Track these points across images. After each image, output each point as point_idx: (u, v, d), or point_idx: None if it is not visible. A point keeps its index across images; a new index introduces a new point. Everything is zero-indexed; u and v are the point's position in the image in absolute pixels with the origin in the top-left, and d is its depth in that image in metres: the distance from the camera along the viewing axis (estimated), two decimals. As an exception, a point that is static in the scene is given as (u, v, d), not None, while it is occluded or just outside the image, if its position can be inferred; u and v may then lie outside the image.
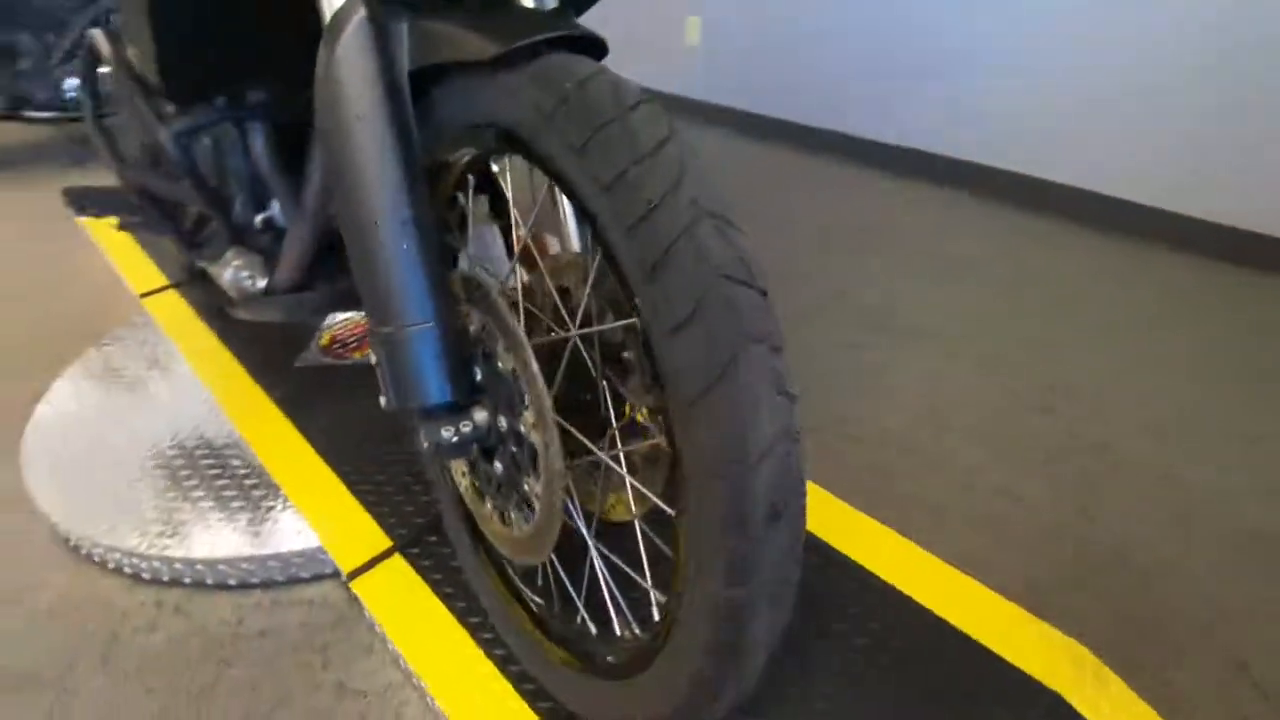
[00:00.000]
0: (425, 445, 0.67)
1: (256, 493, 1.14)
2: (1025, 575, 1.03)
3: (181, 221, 1.08)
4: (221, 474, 1.18)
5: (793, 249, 1.88)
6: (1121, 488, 1.18)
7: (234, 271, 1.02)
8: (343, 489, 1.12)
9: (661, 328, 0.50)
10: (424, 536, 1.05)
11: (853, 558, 0.97)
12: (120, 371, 1.48)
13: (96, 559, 1.10)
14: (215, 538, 1.06)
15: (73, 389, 1.43)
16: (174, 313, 1.65)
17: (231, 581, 1.05)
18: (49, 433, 1.31)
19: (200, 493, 1.14)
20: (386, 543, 1.03)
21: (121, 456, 1.23)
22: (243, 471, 1.19)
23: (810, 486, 1.08)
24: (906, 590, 0.93)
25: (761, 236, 1.99)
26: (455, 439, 0.66)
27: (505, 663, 0.87)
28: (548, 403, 0.61)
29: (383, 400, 0.67)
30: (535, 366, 0.62)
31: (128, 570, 1.08)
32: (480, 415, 0.69)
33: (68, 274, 2.04)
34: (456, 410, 0.68)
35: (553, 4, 0.76)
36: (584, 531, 0.73)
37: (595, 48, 0.61)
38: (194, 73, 0.81)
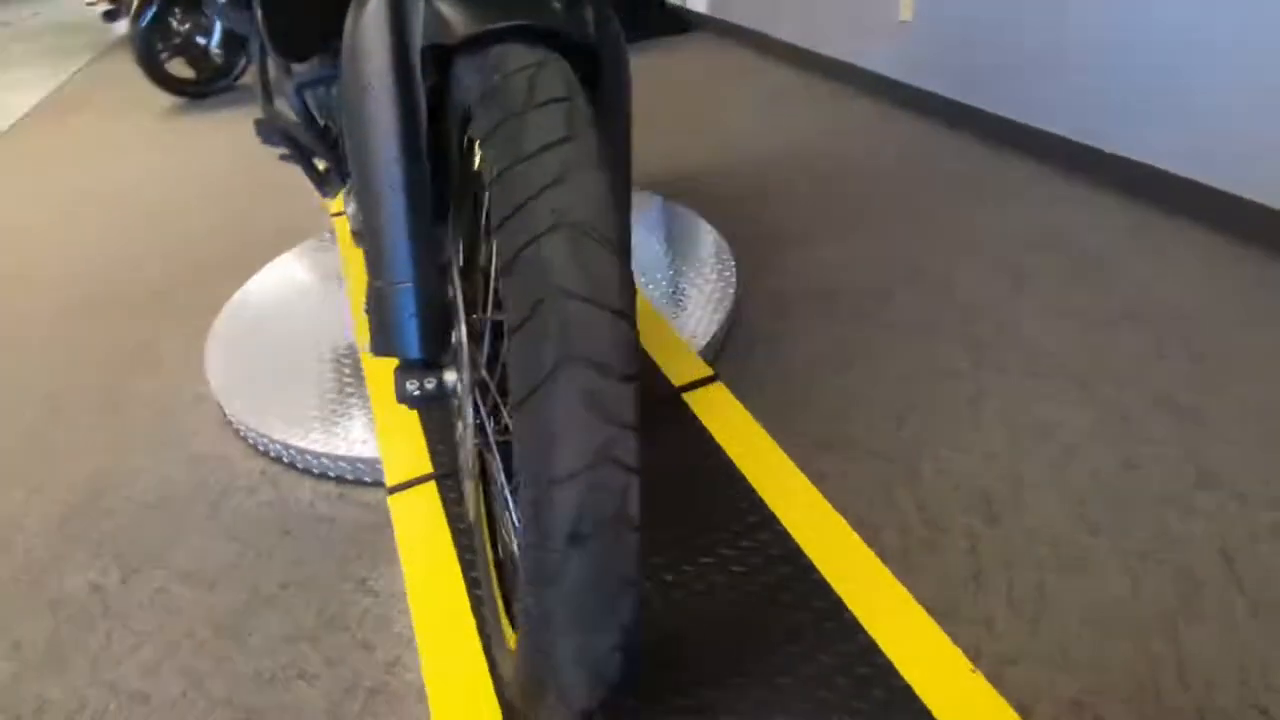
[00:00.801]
0: (395, 393, 0.75)
1: (358, 399, 1.33)
2: None
3: (313, 160, 1.25)
4: (354, 380, 1.39)
5: (976, 286, 1.70)
6: None
7: (352, 207, 1.18)
8: (413, 413, 1.27)
9: (508, 326, 0.51)
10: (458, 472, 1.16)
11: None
12: (305, 277, 1.77)
13: (232, 426, 1.36)
14: (316, 431, 1.26)
15: (263, 286, 1.75)
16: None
17: (315, 470, 1.25)
18: (235, 319, 1.62)
19: (330, 394, 1.36)
20: (428, 469, 1.16)
21: (282, 349, 1.49)
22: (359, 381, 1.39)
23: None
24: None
25: (939, 260, 1.82)
26: (418, 393, 0.74)
27: (479, 603, 0.96)
28: (466, 376, 0.66)
29: (370, 347, 0.76)
30: (464, 337, 0.66)
31: (250, 441, 1.32)
32: (449, 376, 0.76)
33: (278, 189, 2.45)
34: (428, 367, 0.75)
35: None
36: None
37: (566, 39, 0.62)
38: (294, 32, 0.93)
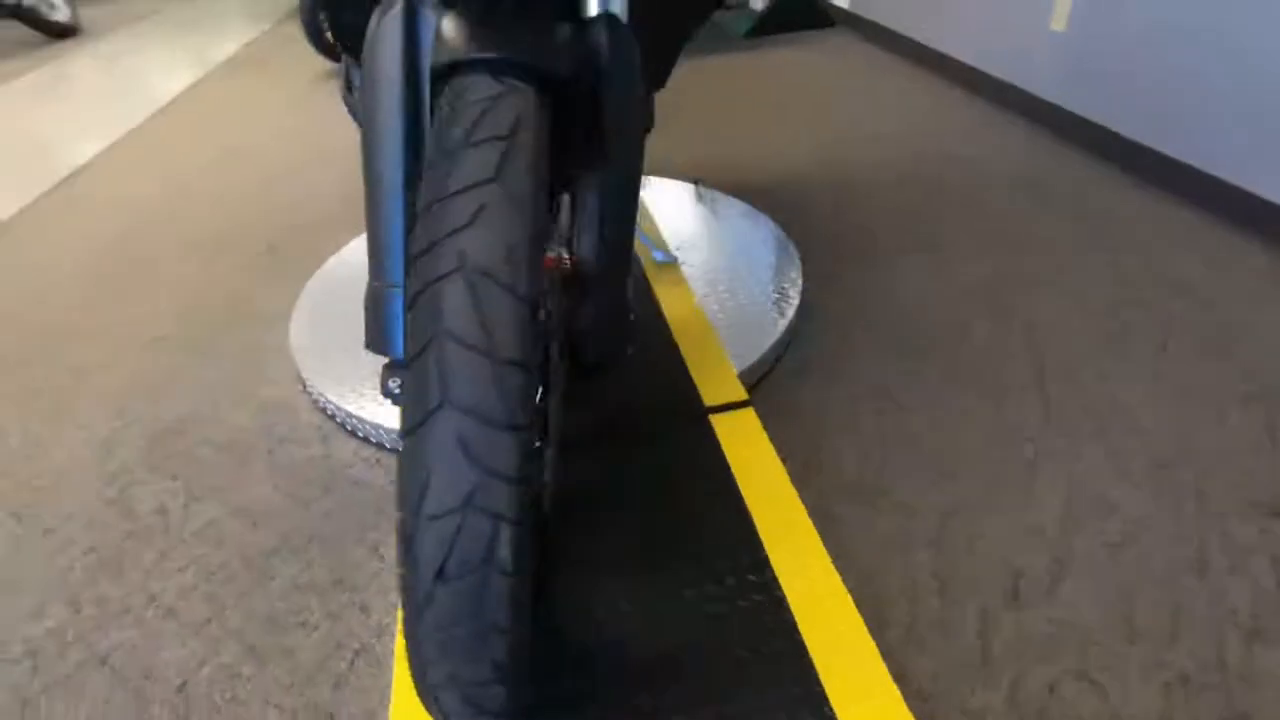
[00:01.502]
0: (379, 388, 0.79)
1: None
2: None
3: None
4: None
5: (1072, 336, 1.55)
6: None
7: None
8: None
9: (406, 359, 0.52)
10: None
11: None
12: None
13: (303, 381, 1.48)
14: (367, 398, 1.35)
15: (358, 253, 1.88)
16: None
17: (359, 434, 1.34)
18: (328, 280, 1.76)
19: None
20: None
21: (358, 316, 1.60)
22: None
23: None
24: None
25: (1035, 301, 1.68)
26: (398, 391, 0.77)
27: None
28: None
29: (365, 343, 0.80)
30: None
31: (313, 398, 1.43)
32: None
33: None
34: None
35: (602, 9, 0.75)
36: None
37: (536, 73, 0.61)
38: (338, 29, 0.96)
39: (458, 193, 0.54)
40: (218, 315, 1.77)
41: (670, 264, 1.66)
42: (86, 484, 1.29)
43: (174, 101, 3.53)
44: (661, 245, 1.74)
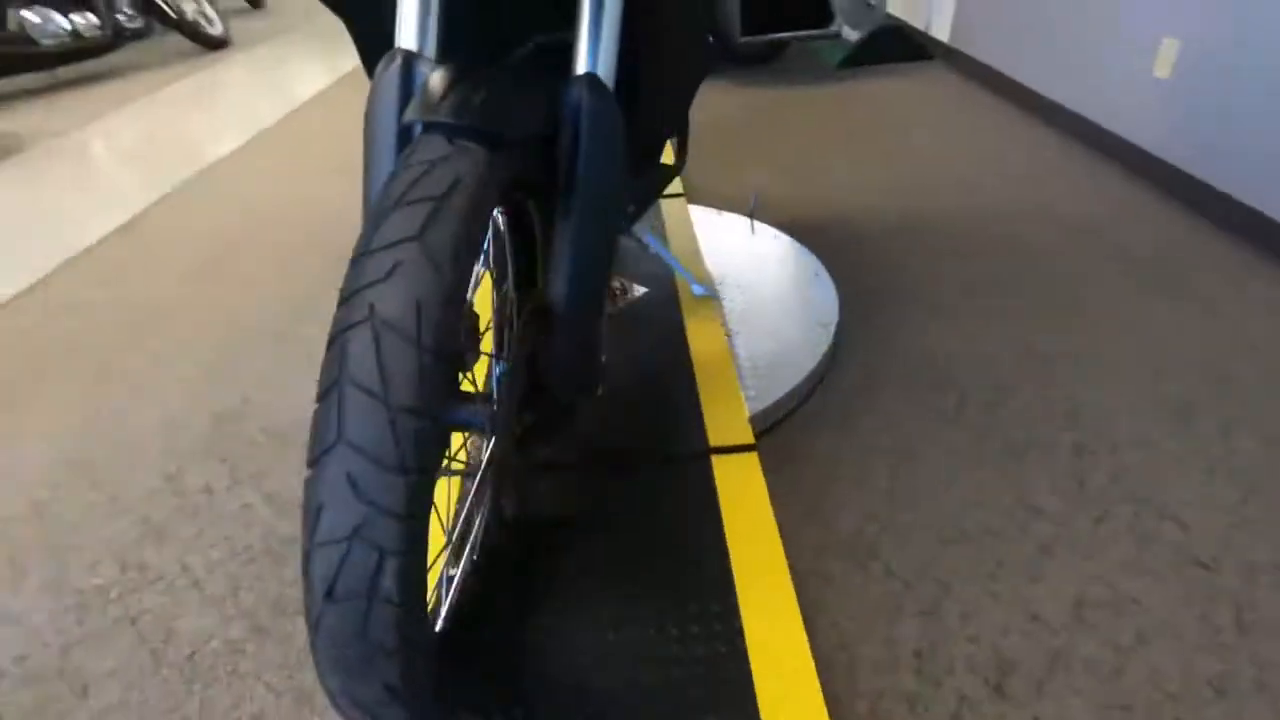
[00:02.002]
0: None
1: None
2: None
3: None
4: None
5: (1123, 411, 1.45)
6: None
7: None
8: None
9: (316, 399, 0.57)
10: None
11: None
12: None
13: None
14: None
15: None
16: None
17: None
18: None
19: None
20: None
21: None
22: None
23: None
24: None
25: (1094, 376, 1.58)
26: None
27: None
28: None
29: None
30: None
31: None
32: None
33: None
34: None
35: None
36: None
37: (489, 137, 0.65)
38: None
39: (379, 249, 0.58)
40: (299, 310, 1.92)
41: (707, 298, 1.67)
42: (152, 461, 1.44)
43: (304, 104, 3.85)
44: (702, 279, 1.75)
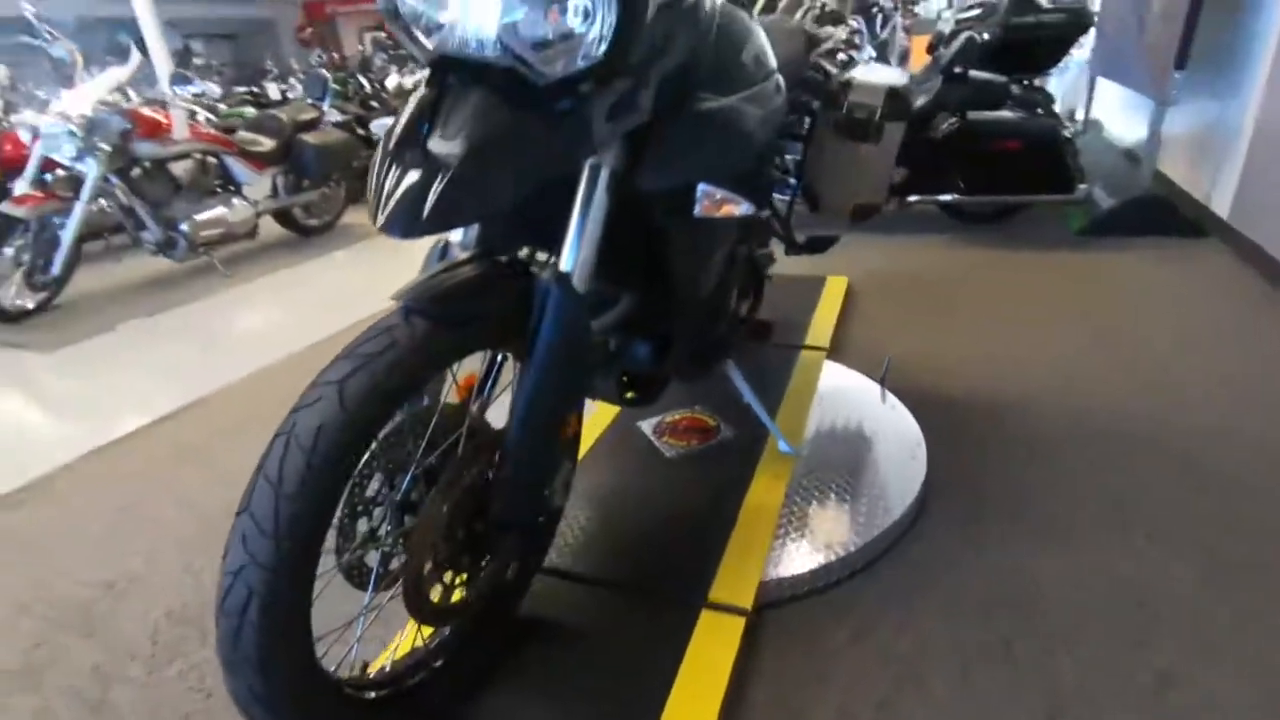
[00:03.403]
0: None
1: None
2: None
3: None
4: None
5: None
6: None
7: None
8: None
9: None
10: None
11: None
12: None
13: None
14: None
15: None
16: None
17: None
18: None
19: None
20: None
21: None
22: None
23: None
24: None
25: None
26: None
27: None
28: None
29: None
30: None
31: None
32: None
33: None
34: None
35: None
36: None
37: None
38: None
39: (318, 384, 0.82)
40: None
41: (789, 456, 1.70)
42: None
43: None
44: (793, 436, 1.78)
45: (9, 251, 3.17)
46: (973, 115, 3.29)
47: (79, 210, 3.25)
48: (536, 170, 0.84)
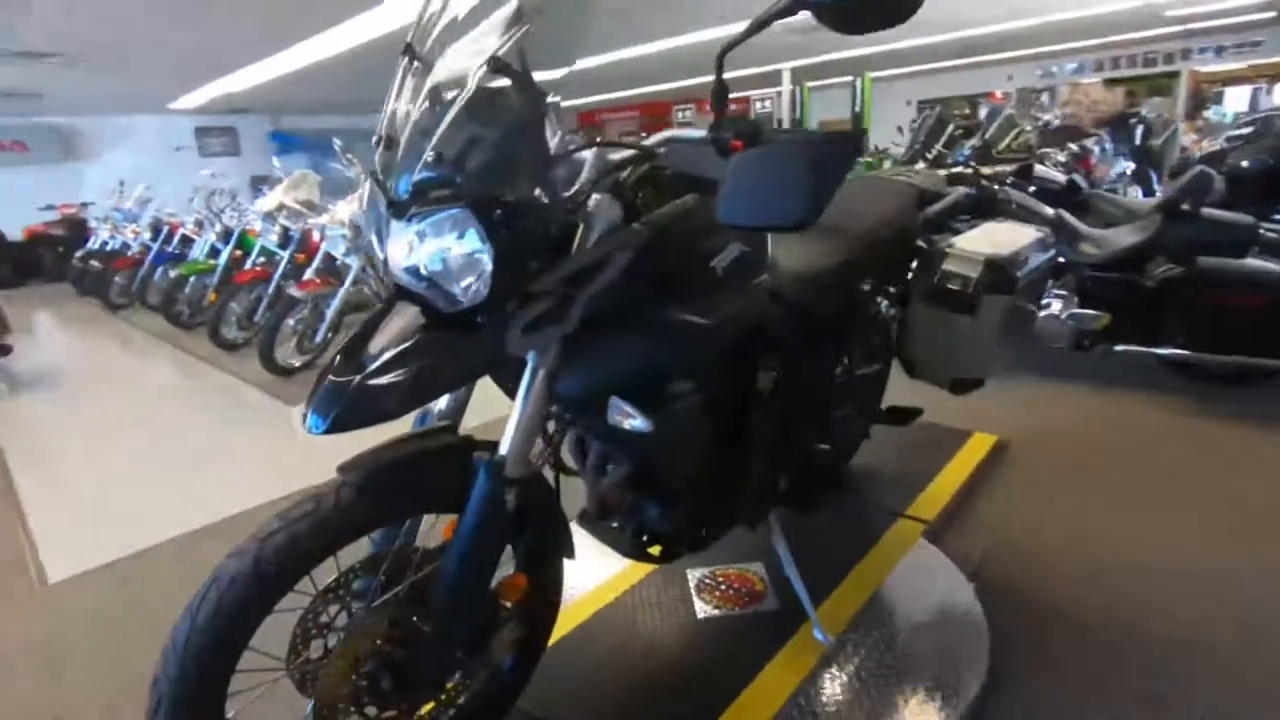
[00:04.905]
0: None
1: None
2: None
3: None
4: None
5: None
6: None
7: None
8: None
9: None
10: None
11: None
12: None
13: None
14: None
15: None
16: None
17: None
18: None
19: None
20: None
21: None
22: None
23: None
24: None
25: None
26: None
27: None
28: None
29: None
30: None
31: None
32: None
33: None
34: None
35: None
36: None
37: None
38: None
39: (247, 540, 0.98)
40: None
41: (820, 645, 1.56)
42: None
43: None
44: (834, 622, 1.63)
45: (291, 322, 4.11)
46: (1204, 262, 2.77)
47: (341, 293, 4.11)
48: (446, 378, 0.97)
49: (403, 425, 1.22)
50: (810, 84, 10.16)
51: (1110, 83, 10.78)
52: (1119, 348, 2.94)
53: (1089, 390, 3.07)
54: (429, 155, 0.94)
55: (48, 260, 9.20)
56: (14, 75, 6.71)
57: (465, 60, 0.96)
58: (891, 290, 1.87)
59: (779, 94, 10.15)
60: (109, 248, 7.01)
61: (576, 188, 1.05)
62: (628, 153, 1.06)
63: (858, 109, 9.83)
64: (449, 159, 0.95)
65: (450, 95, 0.96)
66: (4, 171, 9.53)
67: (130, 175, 7.76)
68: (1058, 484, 2.29)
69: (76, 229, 8.96)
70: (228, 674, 0.97)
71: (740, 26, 0.88)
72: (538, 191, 0.96)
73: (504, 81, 0.94)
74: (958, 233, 1.94)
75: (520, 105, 0.96)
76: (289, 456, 3.06)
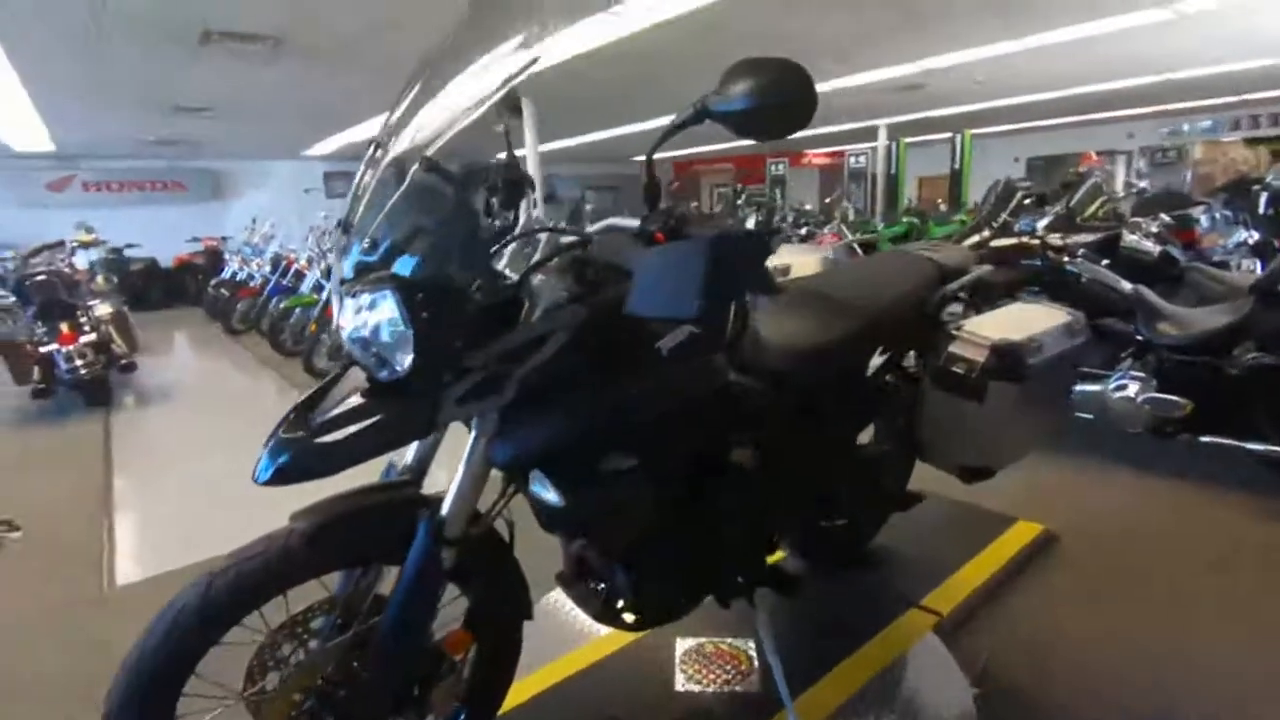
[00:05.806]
0: None
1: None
2: None
3: None
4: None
5: None
6: None
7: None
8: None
9: None
10: None
11: None
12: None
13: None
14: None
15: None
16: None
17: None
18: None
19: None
20: None
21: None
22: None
23: None
24: None
25: None
26: None
27: None
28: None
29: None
30: None
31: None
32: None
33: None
34: None
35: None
36: None
37: None
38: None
39: (200, 577, 1.06)
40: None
41: (793, 732, 1.50)
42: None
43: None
44: (809, 713, 1.56)
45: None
46: (1300, 350, 2.49)
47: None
48: (382, 439, 1.04)
49: (371, 474, 1.30)
50: (908, 139, 9.98)
51: (1250, 142, 9.90)
52: (1205, 438, 2.67)
53: (1166, 482, 2.79)
54: (366, 241, 1.04)
55: (191, 286, 10.32)
56: (178, 126, 7.72)
57: (410, 156, 1.07)
58: (907, 368, 1.81)
59: (872, 149, 10.03)
60: (237, 278, 7.79)
61: (529, 266, 1.11)
62: (573, 238, 1.12)
63: (957, 166, 9.54)
64: (390, 243, 1.04)
65: (394, 187, 1.07)
66: (166, 208, 10.86)
67: (264, 213, 8.60)
68: (1107, 590, 2.08)
69: (215, 259, 10.01)
70: (173, 698, 1.06)
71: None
72: (469, 273, 1.04)
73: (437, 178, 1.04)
74: (994, 308, 1.87)
75: (451, 199, 1.06)
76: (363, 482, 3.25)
